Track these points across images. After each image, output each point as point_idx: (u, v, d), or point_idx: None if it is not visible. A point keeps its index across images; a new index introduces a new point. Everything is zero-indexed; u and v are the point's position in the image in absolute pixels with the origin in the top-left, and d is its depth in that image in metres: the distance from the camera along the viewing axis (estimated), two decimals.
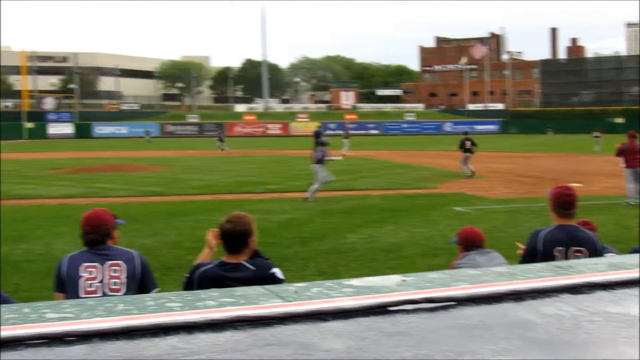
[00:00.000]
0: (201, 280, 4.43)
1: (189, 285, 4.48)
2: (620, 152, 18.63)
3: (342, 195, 20.48)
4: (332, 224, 15.28)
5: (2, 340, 1.09)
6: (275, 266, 4.61)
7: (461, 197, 19.97)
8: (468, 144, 26.70)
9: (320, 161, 19.82)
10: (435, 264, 10.47)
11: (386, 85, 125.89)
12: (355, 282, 1.40)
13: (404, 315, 1.22)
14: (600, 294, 1.41)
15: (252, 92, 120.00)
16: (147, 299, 1.31)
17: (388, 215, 16.48)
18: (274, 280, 4.27)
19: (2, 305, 1.30)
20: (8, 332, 1.10)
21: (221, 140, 48.68)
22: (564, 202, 5.71)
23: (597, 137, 42.48)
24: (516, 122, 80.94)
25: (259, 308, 1.18)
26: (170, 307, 1.24)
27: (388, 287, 1.33)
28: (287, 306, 1.20)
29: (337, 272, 10.65)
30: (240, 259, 4.53)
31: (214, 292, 1.33)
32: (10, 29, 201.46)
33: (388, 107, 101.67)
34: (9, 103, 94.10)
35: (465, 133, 29.06)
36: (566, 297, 1.39)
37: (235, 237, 4.55)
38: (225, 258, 4.57)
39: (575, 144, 47.96)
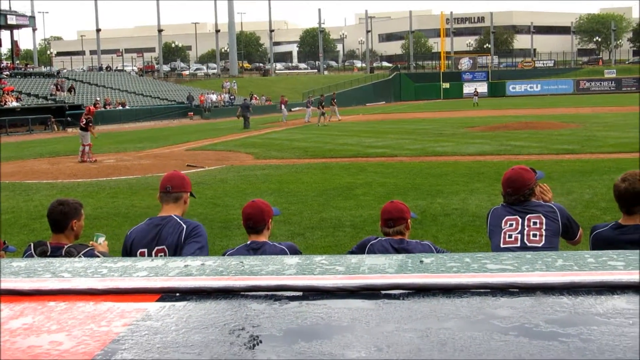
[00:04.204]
0: (595, 240, 4.49)
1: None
2: None
3: None
4: None
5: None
6: None
7: None
8: None
9: None
10: None
11: None
12: None
13: None
14: None
15: None
16: (587, 255, 1.29)
17: None
18: None
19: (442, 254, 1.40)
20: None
21: None
22: None
23: None
24: None
25: None
26: (613, 265, 1.22)
27: None
28: None
29: None
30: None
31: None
32: None
33: None
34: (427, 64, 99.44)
35: None
36: None
37: (631, 197, 4.33)
38: (622, 220, 4.40)
39: None
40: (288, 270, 1.30)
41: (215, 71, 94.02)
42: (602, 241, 4.41)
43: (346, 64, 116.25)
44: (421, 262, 1.33)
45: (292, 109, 41.64)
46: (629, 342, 0.94)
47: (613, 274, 1.16)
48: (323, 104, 42.44)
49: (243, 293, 1.19)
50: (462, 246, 9.50)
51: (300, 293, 1.18)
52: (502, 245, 4.99)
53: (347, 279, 1.20)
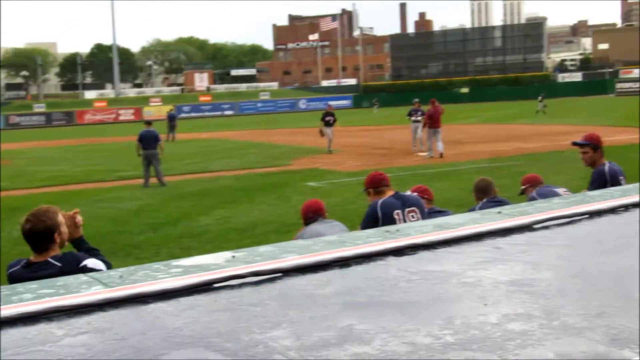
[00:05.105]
0: (8, 278, 4.36)
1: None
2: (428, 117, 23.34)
3: (195, 178, 20.28)
4: (185, 208, 15.10)
5: None
6: (94, 256, 4.44)
7: (314, 173, 20.27)
8: (330, 119, 27.04)
9: None
10: (288, 240, 10.58)
11: (240, 65, 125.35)
12: (184, 262, 1.36)
13: (228, 291, 1.21)
14: (422, 254, 1.45)
15: (102, 78, 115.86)
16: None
17: (241, 195, 16.45)
18: (85, 272, 4.12)
19: None
20: None
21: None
22: (381, 180, 6.43)
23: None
24: (369, 96, 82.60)
25: (78, 297, 1.14)
26: (22, 297, 1.20)
27: (217, 264, 1.32)
28: (108, 292, 1.16)
29: (189, 255, 10.54)
30: (47, 257, 4.32)
31: (33, 284, 1.30)
32: None
33: (243, 87, 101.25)
34: None
35: (328, 107, 29.02)
36: (390, 259, 1.42)
37: (36, 236, 4.33)
38: (32, 258, 4.36)
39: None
40: None
41: None
42: (14, 279, 4.32)
43: None
44: None
45: None
46: None
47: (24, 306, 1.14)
48: None
49: None
50: None
51: None
52: None
53: None
